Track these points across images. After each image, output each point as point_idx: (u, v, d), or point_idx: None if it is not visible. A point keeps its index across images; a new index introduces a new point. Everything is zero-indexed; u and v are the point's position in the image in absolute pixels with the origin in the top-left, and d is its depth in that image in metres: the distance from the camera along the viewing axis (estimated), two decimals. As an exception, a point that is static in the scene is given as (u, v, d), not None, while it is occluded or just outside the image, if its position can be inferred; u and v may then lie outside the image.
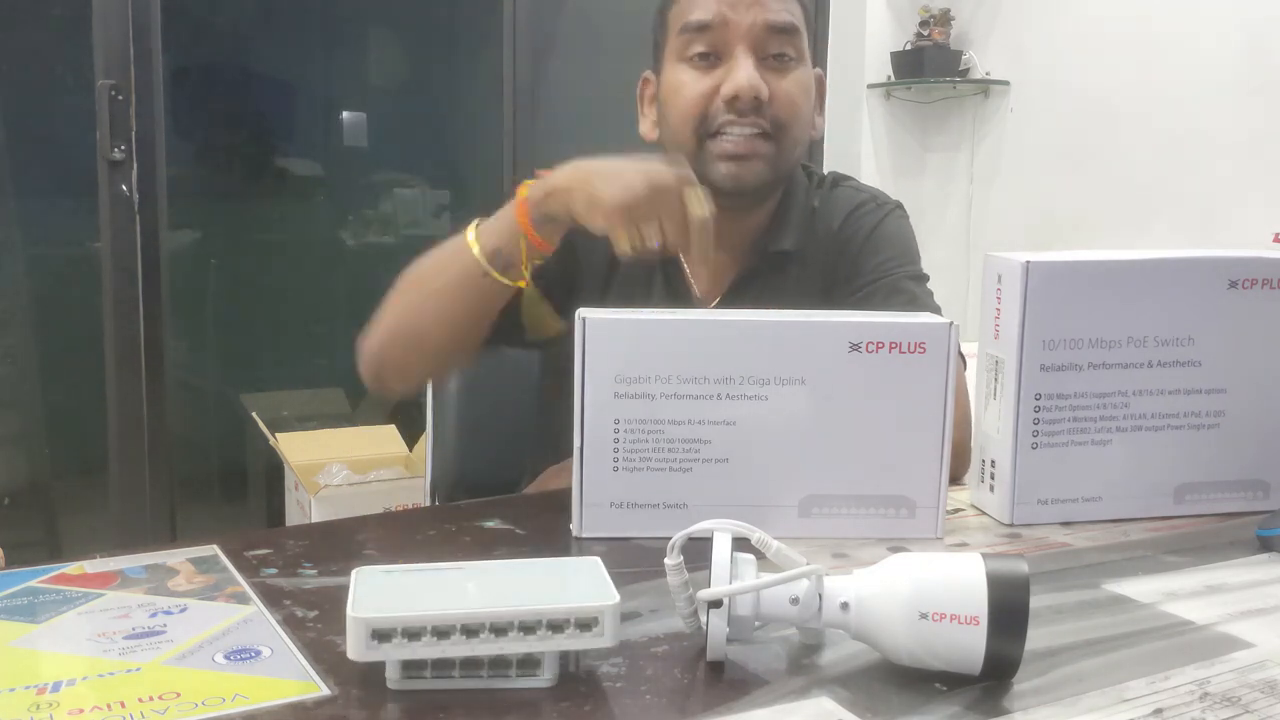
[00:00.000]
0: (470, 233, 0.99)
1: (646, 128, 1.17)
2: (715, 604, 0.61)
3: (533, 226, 0.95)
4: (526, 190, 0.96)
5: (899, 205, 1.20)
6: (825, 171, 1.23)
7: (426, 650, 0.57)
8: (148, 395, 2.33)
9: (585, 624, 0.58)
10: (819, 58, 3.24)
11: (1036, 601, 0.60)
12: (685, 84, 1.08)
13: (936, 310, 1.09)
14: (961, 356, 1.03)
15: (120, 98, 2.23)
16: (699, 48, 1.07)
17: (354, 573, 0.62)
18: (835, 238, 1.16)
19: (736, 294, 1.14)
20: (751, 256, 1.14)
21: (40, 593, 0.71)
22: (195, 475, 2.88)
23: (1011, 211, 3.28)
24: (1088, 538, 0.87)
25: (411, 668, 0.58)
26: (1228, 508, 0.92)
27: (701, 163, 1.07)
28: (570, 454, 0.84)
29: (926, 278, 1.15)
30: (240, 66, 3.19)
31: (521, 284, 0.99)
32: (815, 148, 3.24)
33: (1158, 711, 0.58)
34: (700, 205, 0.92)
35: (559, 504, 0.87)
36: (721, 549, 0.62)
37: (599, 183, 0.91)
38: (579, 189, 0.92)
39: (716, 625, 0.61)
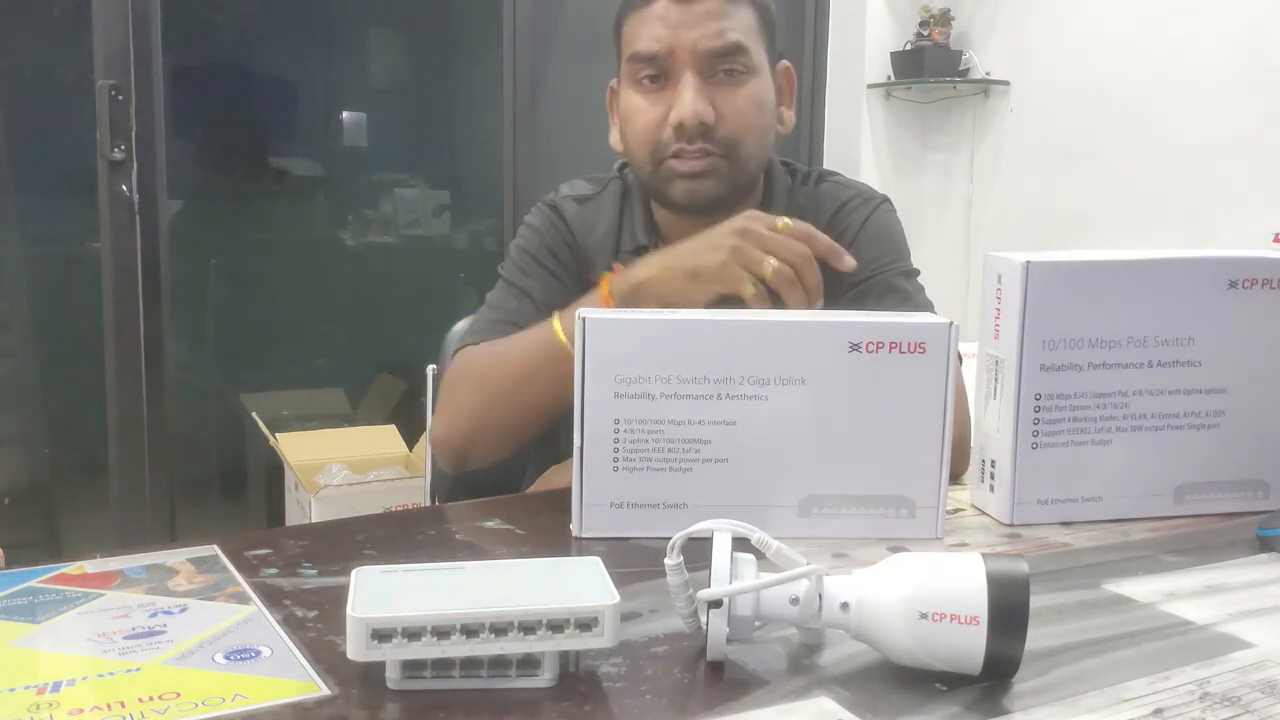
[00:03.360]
0: (555, 324, 1.01)
1: (615, 139, 1.18)
2: (715, 604, 0.61)
3: None
4: (608, 284, 1.00)
5: (886, 199, 1.19)
6: (810, 168, 1.23)
7: (426, 650, 0.57)
8: (148, 395, 2.33)
9: (585, 624, 0.58)
10: (818, 57, 3.24)
11: (1036, 601, 0.60)
12: (637, 110, 1.10)
13: (928, 306, 1.10)
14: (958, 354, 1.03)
15: (120, 98, 2.23)
16: (648, 72, 1.09)
17: (354, 573, 0.62)
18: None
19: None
20: None
21: (40, 593, 0.71)
22: (195, 475, 2.88)
23: (1011, 211, 3.28)
24: (1088, 538, 0.87)
25: (411, 668, 0.58)
26: (1228, 508, 0.92)
27: (659, 180, 1.11)
28: (570, 454, 0.84)
29: (917, 273, 1.15)
30: (240, 66, 3.19)
31: None
32: (815, 147, 3.24)
33: (1158, 711, 0.58)
34: (780, 217, 0.96)
35: (559, 504, 0.86)
36: (721, 549, 0.62)
37: (692, 258, 0.97)
38: (672, 274, 0.97)
39: (716, 625, 0.61)
